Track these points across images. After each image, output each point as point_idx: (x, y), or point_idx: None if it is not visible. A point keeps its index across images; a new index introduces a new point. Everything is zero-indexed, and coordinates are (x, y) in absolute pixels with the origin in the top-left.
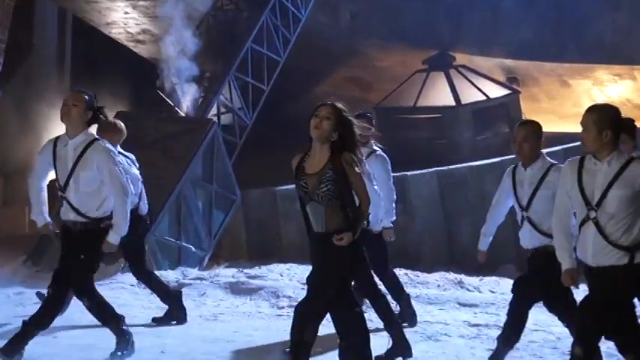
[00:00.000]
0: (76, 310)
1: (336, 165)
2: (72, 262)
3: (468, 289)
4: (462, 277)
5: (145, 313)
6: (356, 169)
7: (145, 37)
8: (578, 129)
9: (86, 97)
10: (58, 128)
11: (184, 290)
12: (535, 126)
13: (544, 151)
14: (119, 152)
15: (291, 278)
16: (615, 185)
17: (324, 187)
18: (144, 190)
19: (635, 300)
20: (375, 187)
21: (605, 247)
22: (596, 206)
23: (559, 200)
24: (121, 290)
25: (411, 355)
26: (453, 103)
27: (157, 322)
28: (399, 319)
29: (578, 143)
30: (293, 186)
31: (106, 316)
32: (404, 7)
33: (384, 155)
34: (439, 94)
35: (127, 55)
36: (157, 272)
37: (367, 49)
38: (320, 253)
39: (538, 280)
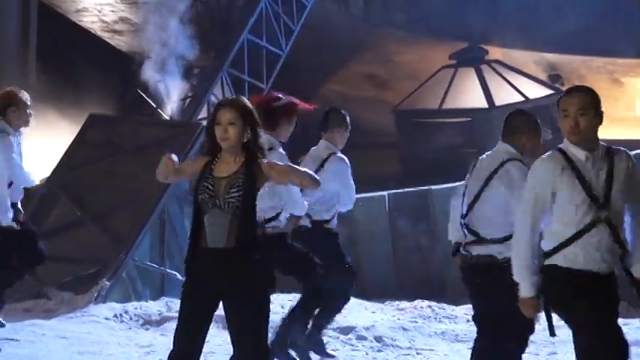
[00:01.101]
0: (42, 347)
1: (251, 171)
2: None
3: None
4: None
5: (123, 351)
6: (277, 165)
7: (123, 26)
8: (633, 134)
9: None
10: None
11: (168, 325)
12: None
13: None
14: None
15: None
16: (616, 179)
17: (234, 192)
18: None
19: None
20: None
21: (616, 250)
22: (604, 204)
23: (532, 202)
24: (94, 325)
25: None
26: (485, 104)
27: None
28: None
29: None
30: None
31: None
32: None
33: (344, 158)
34: (469, 94)
35: (102, 47)
36: (136, 303)
37: (384, 41)
38: (221, 275)
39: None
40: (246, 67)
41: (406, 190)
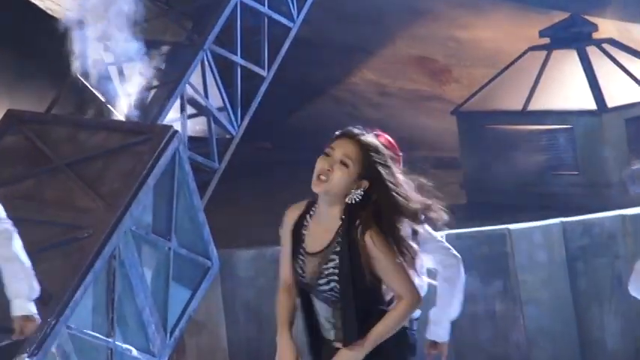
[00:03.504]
0: None
1: (351, 241)
2: None
3: None
4: None
5: None
6: (387, 254)
7: None
8: None
9: None
10: None
11: None
12: None
13: None
14: None
15: None
16: None
17: (324, 284)
18: None
19: None
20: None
21: None
22: None
23: None
24: None
25: None
26: (592, 105)
27: None
28: None
29: None
30: None
31: None
32: None
33: None
34: (568, 90)
35: (28, 13)
36: None
37: (445, 9)
38: None
39: None
40: (238, 45)
41: (473, 229)
